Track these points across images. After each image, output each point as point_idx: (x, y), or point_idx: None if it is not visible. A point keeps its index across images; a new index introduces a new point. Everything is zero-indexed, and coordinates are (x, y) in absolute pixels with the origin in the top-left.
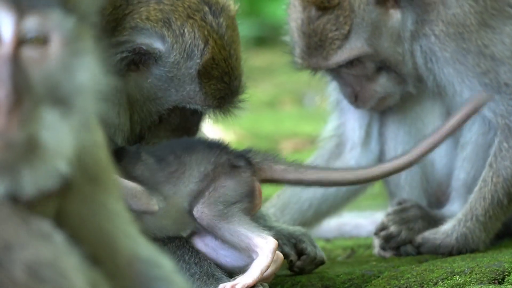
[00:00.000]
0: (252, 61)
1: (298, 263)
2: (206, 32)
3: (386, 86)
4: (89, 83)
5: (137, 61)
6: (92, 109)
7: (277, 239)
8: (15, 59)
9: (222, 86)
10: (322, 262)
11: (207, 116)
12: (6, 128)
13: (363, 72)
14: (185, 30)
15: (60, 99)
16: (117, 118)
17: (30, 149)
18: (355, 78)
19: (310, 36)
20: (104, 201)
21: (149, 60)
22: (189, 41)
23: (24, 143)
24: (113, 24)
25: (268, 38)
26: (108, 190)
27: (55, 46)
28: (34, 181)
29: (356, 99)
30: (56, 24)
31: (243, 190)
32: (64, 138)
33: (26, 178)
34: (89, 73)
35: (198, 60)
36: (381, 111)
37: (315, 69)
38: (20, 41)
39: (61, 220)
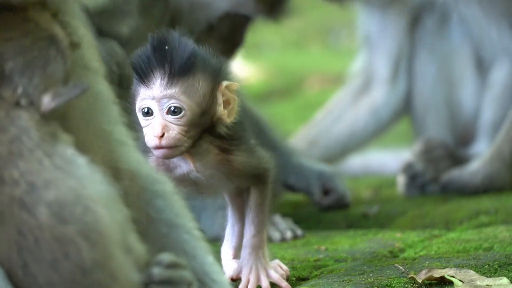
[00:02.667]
0: None
1: (325, 200)
2: None
3: None
4: None
5: None
6: None
7: (307, 179)
8: None
9: None
10: (346, 205)
11: (256, 23)
12: None
13: None
14: None
15: None
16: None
17: None
18: None
19: None
20: (97, 91)
21: None
22: None
23: None
24: None
25: None
26: (99, 78)
27: None
28: None
29: None
30: None
31: None
32: None
33: None
34: None
35: None
36: (410, 49)
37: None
38: None
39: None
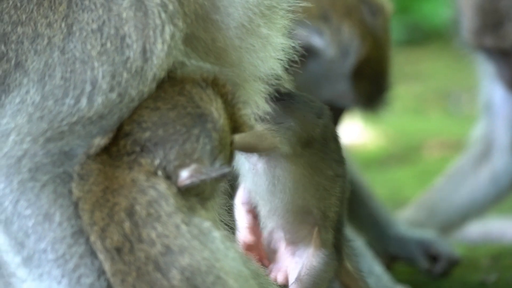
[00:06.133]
0: (399, 60)
1: (437, 267)
2: (363, 31)
3: None
4: None
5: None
6: None
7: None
8: None
9: (373, 86)
10: (456, 262)
11: (351, 113)
12: None
13: None
14: (343, 27)
15: None
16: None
17: None
18: None
19: (489, 13)
20: None
21: (305, 54)
22: (346, 39)
23: None
24: None
25: (416, 39)
26: None
27: None
28: None
29: None
30: None
31: None
32: None
33: None
34: None
35: (353, 59)
36: None
37: (487, 49)
38: None
39: None
